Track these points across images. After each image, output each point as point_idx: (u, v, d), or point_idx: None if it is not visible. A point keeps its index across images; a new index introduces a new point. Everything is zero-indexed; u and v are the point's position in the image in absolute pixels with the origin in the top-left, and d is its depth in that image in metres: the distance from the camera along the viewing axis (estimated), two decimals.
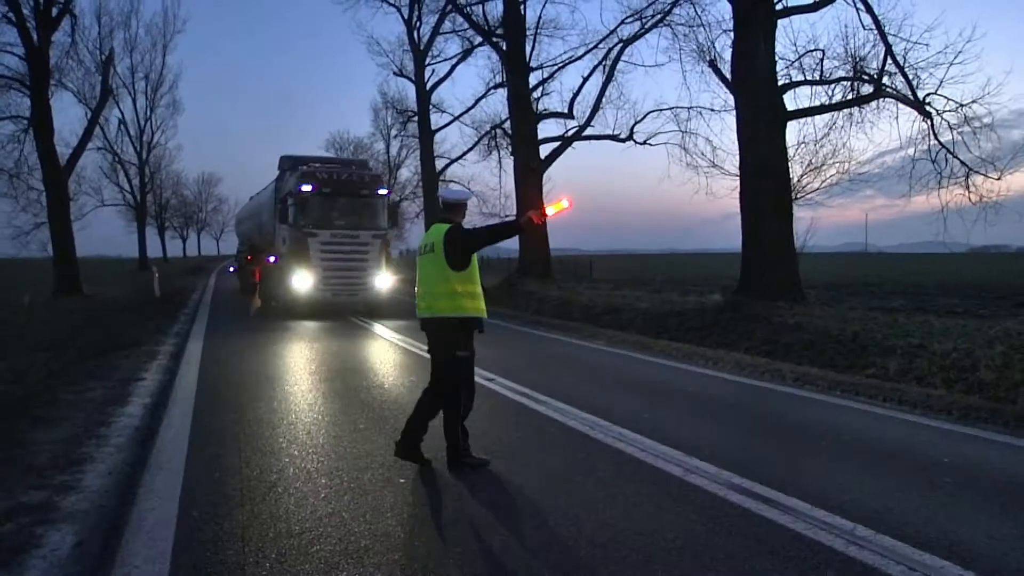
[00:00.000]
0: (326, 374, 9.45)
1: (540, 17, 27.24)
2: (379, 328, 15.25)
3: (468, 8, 28.09)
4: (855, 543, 3.98)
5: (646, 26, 23.85)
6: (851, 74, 18.21)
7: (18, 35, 22.30)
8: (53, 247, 24.56)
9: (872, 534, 4.11)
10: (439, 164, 36.75)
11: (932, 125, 17.28)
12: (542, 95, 27.38)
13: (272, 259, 19.53)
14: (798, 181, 19.03)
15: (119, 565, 3.72)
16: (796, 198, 18.55)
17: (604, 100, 25.75)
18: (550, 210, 5.66)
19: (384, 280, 18.09)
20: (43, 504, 4.58)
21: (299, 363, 10.52)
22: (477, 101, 33.88)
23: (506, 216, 30.09)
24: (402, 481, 5.08)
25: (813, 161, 19.44)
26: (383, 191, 18.71)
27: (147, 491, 4.83)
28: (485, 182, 69.61)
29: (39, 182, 24.87)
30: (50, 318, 16.54)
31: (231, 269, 17.82)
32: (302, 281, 17.21)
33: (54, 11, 22.96)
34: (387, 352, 11.76)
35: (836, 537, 4.07)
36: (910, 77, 17.19)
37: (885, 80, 17.57)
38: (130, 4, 52.16)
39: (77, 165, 27.19)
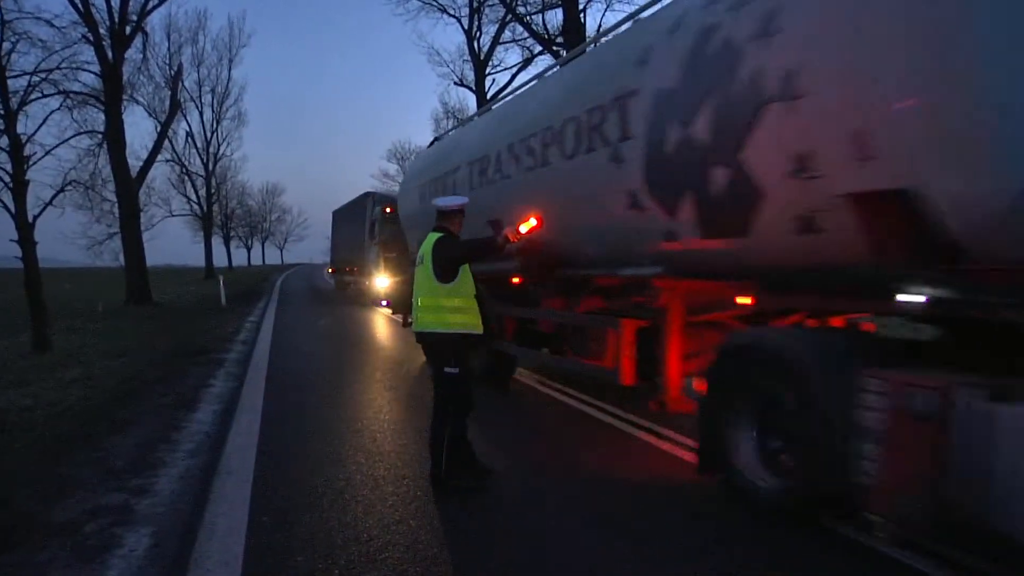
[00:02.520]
0: (391, 381, 9.54)
1: (600, 24, 27.23)
2: None
3: (528, 17, 28.19)
4: None
5: None
6: None
7: (94, 53, 23.21)
8: (125, 256, 25.40)
9: None
10: None
11: None
12: None
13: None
14: None
15: (193, 567, 3.82)
16: None
17: None
18: (523, 227, 5.48)
19: None
20: (121, 506, 4.74)
21: (363, 370, 10.65)
22: None
23: None
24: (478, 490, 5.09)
25: None
26: None
27: (218, 496, 4.94)
28: None
29: (112, 194, 25.74)
30: (122, 326, 17.12)
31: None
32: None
33: (127, 29, 23.86)
34: None
35: None
36: None
37: None
38: (197, 20, 53.46)
39: (147, 177, 28.17)
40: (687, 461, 5.47)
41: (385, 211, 20.30)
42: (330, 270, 38.95)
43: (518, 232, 5.43)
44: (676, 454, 5.81)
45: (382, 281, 19.84)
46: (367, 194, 25.05)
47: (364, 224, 23.79)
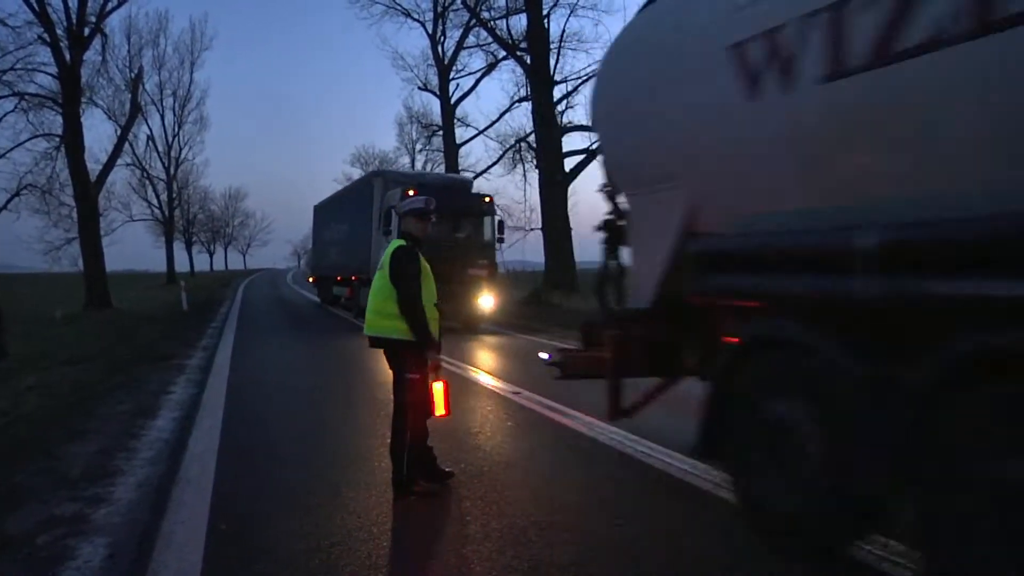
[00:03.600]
0: (361, 388, 9.48)
1: (564, 30, 27.55)
2: None
3: (492, 22, 28.34)
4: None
5: None
6: None
7: (51, 55, 22.81)
8: (84, 262, 24.98)
9: None
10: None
11: None
12: (566, 108, 27.65)
13: None
14: None
15: None
16: None
17: None
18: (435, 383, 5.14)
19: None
20: (76, 516, 4.64)
21: (327, 375, 10.58)
22: (501, 115, 34.25)
23: (531, 229, 30.18)
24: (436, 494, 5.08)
25: None
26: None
27: (177, 504, 4.85)
28: (510, 195, 69.59)
29: (70, 198, 25.36)
30: (81, 332, 16.80)
31: (547, 357, 6.62)
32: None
33: (86, 31, 23.48)
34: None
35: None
36: None
37: None
38: (158, 22, 53.06)
39: (107, 181, 27.83)
40: None
41: (407, 193, 14.98)
42: (311, 279, 32.48)
43: (438, 377, 5.17)
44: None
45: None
46: (374, 174, 20.36)
47: (369, 215, 18.75)
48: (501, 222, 18.76)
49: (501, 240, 18.49)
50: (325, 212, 27.59)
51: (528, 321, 19.05)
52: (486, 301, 17.40)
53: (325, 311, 24.93)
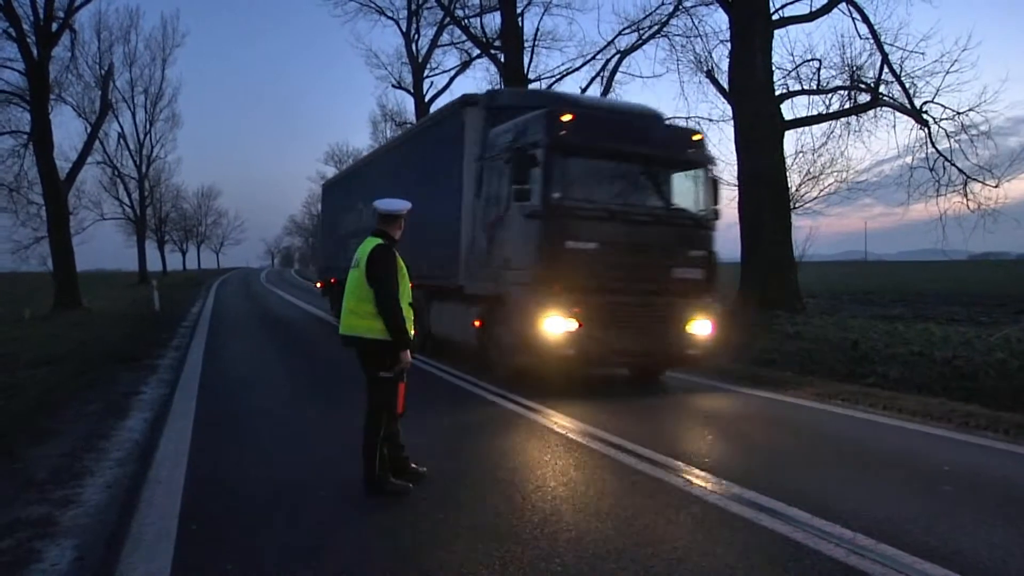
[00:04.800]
0: (329, 389, 9.44)
1: (538, 29, 27.44)
2: None
3: (466, 20, 28.23)
4: (856, 553, 3.97)
5: (643, 37, 23.94)
6: (848, 83, 18.34)
7: (18, 50, 22.43)
8: (53, 261, 24.62)
9: (873, 543, 4.10)
10: None
11: (929, 133, 17.43)
12: None
13: None
14: (796, 190, 19.10)
15: None
16: (795, 207, 18.61)
17: None
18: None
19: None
20: (43, 519, 4.57)
21: (297, 375, 10.52)
22: None
23: None
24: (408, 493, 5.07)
25: (811, 170, 19.43)
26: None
27: (146, 505, 4.80)
28: None
29: (39, 196, 24.96)
30: (50, 332, 16.55)
31: None
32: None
33: (54, 26, 23.12)
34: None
35: (836, 547, 4.06)
36: (907, 86, 17.37)
37: (882, 89, 17.74)
38: (129, 19, 52.20)
39: (77, 179, 27.38)
40: None
41: (561, 120, 8.85)
42: (319, 285, 23.50)
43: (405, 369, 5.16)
44: None
45: (557, 323, 8.60)
46: (465, 101, 11.14)
47: (457, 172, 10.90)
48: (716, 182, 10.24)
49: (717, 214, 10.07)
50: (349, 185, 19.07)
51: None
52: (702, 327, 9.52)
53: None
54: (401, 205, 5.37)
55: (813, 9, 18.04)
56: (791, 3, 18.42)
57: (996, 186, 16.95)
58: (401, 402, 5.20)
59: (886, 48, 17.29)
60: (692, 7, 21.86)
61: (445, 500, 4.89)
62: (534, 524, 4.42)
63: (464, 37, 29.47)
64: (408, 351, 5.09)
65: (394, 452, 5.22)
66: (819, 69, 18.56)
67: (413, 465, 5.36)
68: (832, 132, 19.15)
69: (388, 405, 5.10)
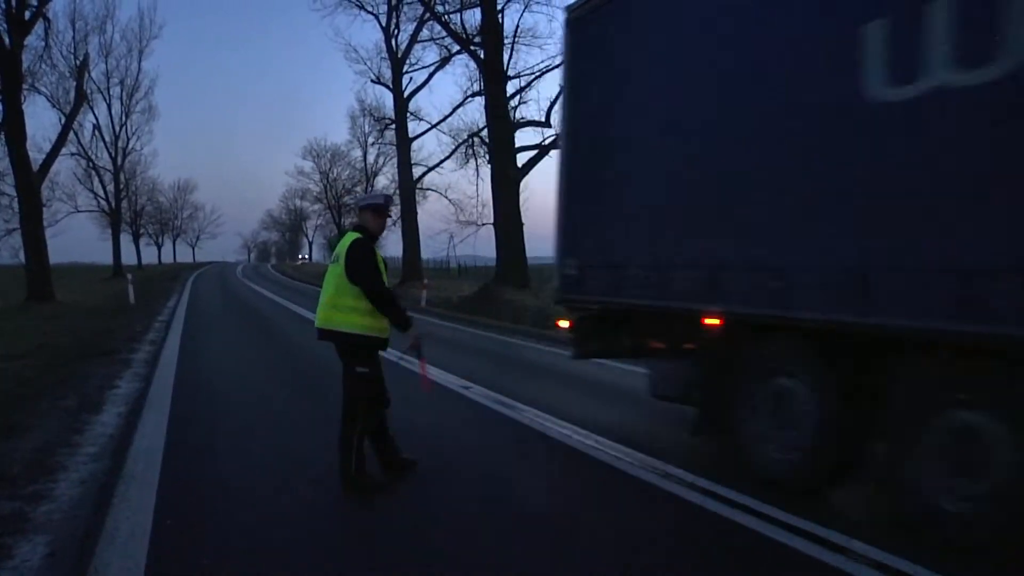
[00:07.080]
0: (305, 382, 9.40)
1: (518, 26, 27.58)
2: None
3: (446, 16, 28.12)
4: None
5: None
6: None
7: None
8: (25, 254, 24.26)
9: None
10: (416, 172, 36.67)
11: None
12: (520, 103, 27.59)
13: None
14: None
15: (92, 575, 3.68)
16: None
17: None
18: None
19: None
20: (14, 514, 4.52)
21: (274, 369, 10.49)
22: (454, 109, 33.99)
23: (483, 223, 30.19)
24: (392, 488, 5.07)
25: None
26: None
27: (121, 500, 4.77)
28: (463, 190, 69.52)
29: (11, 188, 24.62)
30: (22, 326, 16.34)
31: None
32: None
33: (27, 14, 22.73)
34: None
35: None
36: None
37: None
38: (105, 9, 51.60)
39: (51, 171, 26.98)
40: None
41: None
42: (568, 325, 7.37)
43: (422, 358, 5.41)
44: None
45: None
46: None
47: None
48: None
49: None
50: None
51: (478, 316, 19.00)
52: None
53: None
54: (373, 198, 5.33)
55: None
56: None
57: None
58: (427, 380, 5.79)
59: None
60: None
61: (424, 493, 4.90)
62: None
63: (444, 33, 29.39)
64: (414, 327, 5.18)
65: (381, 444, 5.23)
66: None
67: (404, 456, 5.38)
68: None
69: (366, 400, 5.06)
